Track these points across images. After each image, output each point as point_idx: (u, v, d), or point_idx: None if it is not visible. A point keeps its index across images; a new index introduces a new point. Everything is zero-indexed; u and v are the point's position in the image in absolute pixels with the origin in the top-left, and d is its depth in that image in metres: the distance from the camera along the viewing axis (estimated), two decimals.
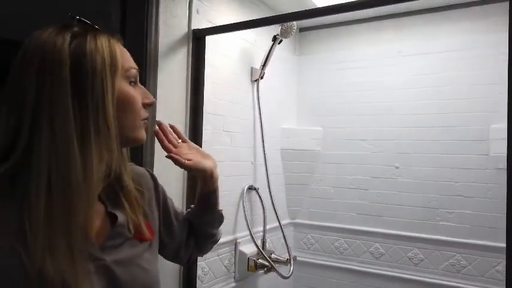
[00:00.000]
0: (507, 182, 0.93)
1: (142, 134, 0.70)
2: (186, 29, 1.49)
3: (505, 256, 1.70)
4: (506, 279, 0.91)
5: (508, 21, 0.95)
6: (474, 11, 1.90)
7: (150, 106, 0.72)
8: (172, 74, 1.43)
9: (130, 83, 0.67)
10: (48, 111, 0.58)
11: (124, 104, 0.65)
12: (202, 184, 0.93)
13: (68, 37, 0.61)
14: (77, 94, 0.60)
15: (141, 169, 0.85)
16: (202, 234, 0.97)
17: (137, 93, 0.69)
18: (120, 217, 0.69)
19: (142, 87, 0.72)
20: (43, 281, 0.54)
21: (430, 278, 1.96)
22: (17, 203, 0.57)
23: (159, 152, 1.31)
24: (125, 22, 1.36)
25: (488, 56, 1.86)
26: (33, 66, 0.59)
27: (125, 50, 0.69)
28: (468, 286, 1.87)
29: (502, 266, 1.81)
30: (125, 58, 0.67)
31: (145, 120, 0.71)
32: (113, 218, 0.69)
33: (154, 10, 1.34)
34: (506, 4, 1.62)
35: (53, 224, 0.56)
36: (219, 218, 0.98)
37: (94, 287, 0.61)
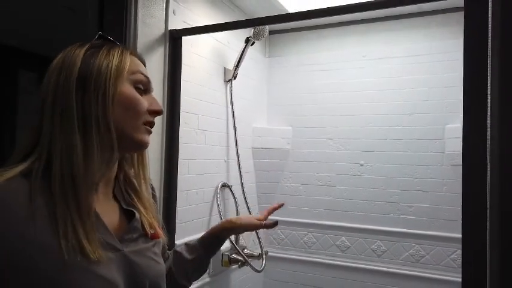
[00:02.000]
0: (462, 178, 1.03)
1: (144, 138, 0.72)
2: (163, 29, 1.52)
3: (458, 245, 1.86)
4: (462, 267, 1.01)
5: (463, 30, 1.06)
6: (432, 20, 2.05)
7: (157, 114, 0.74)
8: (149, 73, 1.44)
9: (136, 88, 0.71)
10: (58, 105, 0.64)
11: (125, 104, 0.68)
12: (227, 234, 1.03)
13: (86, 47, 0.69)
14: (81, 89, 0.65)
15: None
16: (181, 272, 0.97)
17: (143, 98, 0.72)
18: (137, 214, 0.75)
19: (154, 97, 0.75)
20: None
21: (392, 268, 2.10)
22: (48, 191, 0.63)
23: None
24: (102, 19, 1.37)
25: (444, 61, 2.02)
26: (55, 70, 0.67)
27: (138, 61, 0.74)
28: (426, 274, 2.02)
29: (456, 255, 1.97)
30: (134, 64, 0.72)
31: (149, 126, 0.73)
32: (129, 215, 0.75)
33: (133, 9, 1.36)
34: (462, 14, 1.79)
35: (69, 206, 0.62)
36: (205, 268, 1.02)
37: (116, 271, 0.67)
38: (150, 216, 0.78)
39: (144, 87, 0.73)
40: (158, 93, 1.49)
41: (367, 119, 2.18)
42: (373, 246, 2.16)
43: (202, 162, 1.81)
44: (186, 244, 1.00)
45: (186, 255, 0.97)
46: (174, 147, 1.53)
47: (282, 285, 2.34)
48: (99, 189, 0.71)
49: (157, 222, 0.80)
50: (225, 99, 2.01)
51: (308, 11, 1.35)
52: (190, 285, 0.98)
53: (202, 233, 1.02)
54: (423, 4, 1.89)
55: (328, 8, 1.32)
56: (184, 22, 1.65)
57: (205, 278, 1.82)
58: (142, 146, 0.73)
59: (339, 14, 1.38)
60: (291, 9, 2.09)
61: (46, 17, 2.05)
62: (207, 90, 1.86)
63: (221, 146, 1.98)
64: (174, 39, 1.54)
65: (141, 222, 0.76)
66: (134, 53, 0.75)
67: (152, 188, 0.90)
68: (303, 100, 2.35)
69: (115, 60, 0.69)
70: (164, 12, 1.53)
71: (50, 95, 0.65)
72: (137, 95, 0.71)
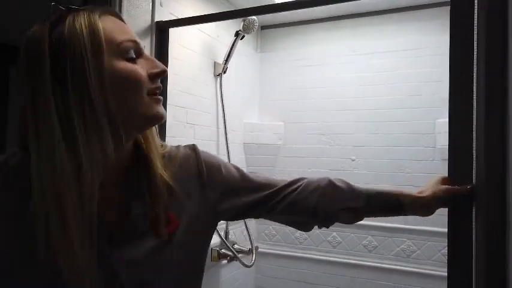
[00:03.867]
0: (448, 172, 1.02)
1: (157, 110, 0.62)
2: (149, 21, 1.50)
3: None
4: (448, 262, 0.99)
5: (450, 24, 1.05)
6: (423, 13, 2.04)
7: (161, 76, 0.63)
8: None
9: (127, 58, 0.59)
10: (32, 109, 0.56)
11: (120, 83, 0.58)
12: (417, 203, 0.85)
13: (46, 28, 0.57)
14: (58, 87, 0.56)
15: (185, 150, 0.75)
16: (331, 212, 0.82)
17: (138, 67, 0.60)
18: (137, 208, 0.63)
19: (150, 57, 0.64)
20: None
21: (383, 263, 2.09)
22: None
23: None
24: None
25: (435, 55, 2.01)
26: (23, 64, 0.58)
27: (116, 23, 0.61)
28: (417, 269, 2.01)
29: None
30: (115, 32, 0.59)
31: (157, 93, 0.63)
32: (130, 209, 0.63)
33: (117, 0, 1.34)
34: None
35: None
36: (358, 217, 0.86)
37: (93, 282, 0.56)
38: (157, 207, 0.64)
39: (135, 54, 0.61)
40: None
41: (359, 114, 2.17)
42: (364, 241, 2.15)
43: None
44: (349, 184, 0.84)
45: (347, 196, 0.81)
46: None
47: (273, 280, 2.33)
48: (107, 176, 0.60)
49: (163, 216, 0.64)
50: (215, 93, 1.99)
51: (296, 1, 1.34)
52: (326, 228, 0.85)
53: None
54: None
55: None
56: (172, 14, 1.63)
57: None
58: (156, 120, 0.62)
59: (326, 4, 1.37)
60: (280, 1, 2.07)
61: (32, 13, 2.02)
62: (197, 84, 1.84)
63: (211, 141, 1.97)
64: (160, 31, 1.52)
65: (145, 217, 0.63)
66: (106, 11, 0.62)
67: (197, 157, 0.74)
68: (294, 95, 2.34)
69: (86, 35, 0.56)
70: (150, 4, 1.51)
71: (25, 91, 0.57)
72: (131, 68, 0.59)
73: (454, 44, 1.06)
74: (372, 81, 2.15)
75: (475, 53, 1.01)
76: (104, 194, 0.60)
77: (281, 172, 2.35)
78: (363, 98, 2.16)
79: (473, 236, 0.95)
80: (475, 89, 1.01)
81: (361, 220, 0.85)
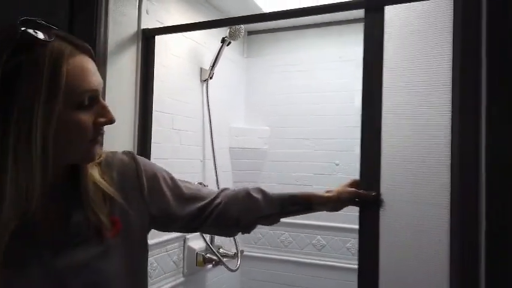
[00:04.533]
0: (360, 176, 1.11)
1: (92, 154, 0.64)
2: (135, 28, 1.51)
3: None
4: (358, 255, 1.14)
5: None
6: None
7: (106, 125, 0.65)
8: (121, 72, 1.44)
9: (81, 106, 0.60)
10: None
11: (65, 132, 0.58)
12: (322, 202, 0.98)
13: (5, 54, 0.55)
14: (2, 117, 0.55)
15: (123, 156, 0.78)
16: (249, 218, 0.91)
17: (87, 116, 0.61)
18: (76, 216, 0.65)
19: (103, 103, 0.64)
20: None
21: None
22: None
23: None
24: (73, 19, 1.35)
25: None
26: None
27: (84, 65, 0.60)
28: None
29: None
30: (78, 79, 0.58)
31: (97, 138, 0.64)
32: (69, 218, 0.64)
33: (103, 8, 1.35)
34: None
35: None
36: (276, 220, 0.96)
37: None
38: (96, 212, 0.66)
39: (90, 101, 0.61)
40: (130, 93, 1.48)
41: (343, 119, 2.21)
42: (348, 244, 2.19)
43: (176, 162, 1.81)
44: (264, 193, 0.92)
45: (263, 206, 0.91)
46: (146, 148, 1.52)
47: (258, 284, 2.36)
48: (42, 195, 0.60)
49: (105, 219, 0.67)
50: (201, 99, 2.00)
51: (283, 11, 1.37)
52: (248, 233, 0.95)
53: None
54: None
55: (302, 9, 1.34)
56: (158, 21, 1.64)
57: (179, 278, 1.82)
58: (87, 161, 0.65)
59: (312, 14, 1.41)
60: (267, 9, 2.10)
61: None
62: (183, 90, 1.85)
63: (197, 146, 1.98)
64: (146, 39, 1.53)
65: (86, 224, 0.65)
66: (79, 48, 0.60)
67: (136, 165, 0.77)
68: (280, 100, 2.37)
69: (46, 78, 0.55)
70: (137, 11, 1.52)
71: None
72: (79, 119, 0.59)
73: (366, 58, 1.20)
74: (356, 87, 2.19)
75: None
76: (42, 207, 0.60)
77: (267, 176, 2.38)
78: (348, 104, 2.21)
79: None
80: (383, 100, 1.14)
81: (278, 222, 0.97)
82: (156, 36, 1.55)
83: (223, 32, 1.97)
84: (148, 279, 1.60)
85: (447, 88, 1.06)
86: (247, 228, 0.92)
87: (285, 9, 1.35)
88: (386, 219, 1.07)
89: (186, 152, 1.89)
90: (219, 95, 2.14)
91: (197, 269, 1.91)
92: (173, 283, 1.75)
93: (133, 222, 0.73)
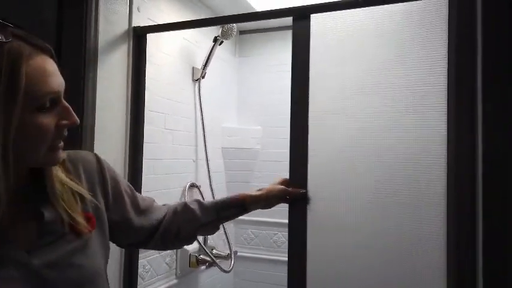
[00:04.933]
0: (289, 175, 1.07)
1: (54, 159, 0.63)
2: (126, 26, 1.48)
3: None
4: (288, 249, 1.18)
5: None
6: None
7: (69, 127, 0.63)
8: (112, 70, 1.41)
9: (42, 109, 0.58)
10: None
11: (25, 135, 0.57)
12: (254, 201, 1.03)
13: None
14: None
15: (86, 155, 0.79)
16: (187, 230, 0.95)
17: (49, 119, 0.59)
18: (48, 214, 0.63)
19: (65, 105, 0.62)
20: None
21: None
22: None
23: (100, 135, 1.31)
24: (62, 16, 1.33)
25: None
26: None
27: (45, 66, 0.58)
28: None
29: None
30: (39, 81, 0.56)
31: (59, 145, 0.63)
32: (41, 217, 0.63)
33: (94, 5, 1.32)
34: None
35: None
36: (215, 227, 1.01)
37: None
38: (70, 209, 0.66)
39: (52, 103, 0.59)
40: (121, 92, 1.45)
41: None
42: None
43: (169, 162, 1.78)
44: (200, 203, 0.97)
45: (200, 215, 0.95)
46: (138, 148, 1.50)
47: (252, 285, 2.34)
48: (8, 196, 0.59)
49: (79, 215, 0.67)
50: (193, 98, 1.98)
51: (275, 10, 1.36)
52: (193, 241, 0.98)
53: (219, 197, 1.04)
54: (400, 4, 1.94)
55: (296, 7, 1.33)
56: (149, 19, 1.62)
57: (172, 280, 1.79)
58: (50, 165, 0.64)
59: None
60: (259, 8, 2.08)
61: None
62: (175, 90, 1.83)
63: (189, 146, 1.96)
64: (138, 37, 1.51)
65: (59, 221, 0.64)
66: (38, 48, 0.58)
67: (99, 163, 0.78)
68: (272, 100, 2.36)
69: (4, 80, 0.52)
70: (128, 9, 1.49)
71: None
72: (40, 122, 0.58)
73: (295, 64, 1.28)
74: None
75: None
76: (11, 212, 0.59)
77: (259, 176, 2.37)
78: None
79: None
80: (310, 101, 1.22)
81: (218, 229, 1.02)
82: (147, 35, 1.53)
83: (215, 31, 1.95)
84: (141, 281, 1.57)
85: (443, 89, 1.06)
86: (188, 240, 0.96)
87: (278, 8, 1.34)
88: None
89: (179, 152, 1.86)
90: (210, 94, 2.12)
91: (190, 270, 1.88)
92: (166, 285, 1.73)
93: (103, 215, 0.76)
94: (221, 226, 2.05)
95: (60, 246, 0.64)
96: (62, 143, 0.63)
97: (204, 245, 1.89)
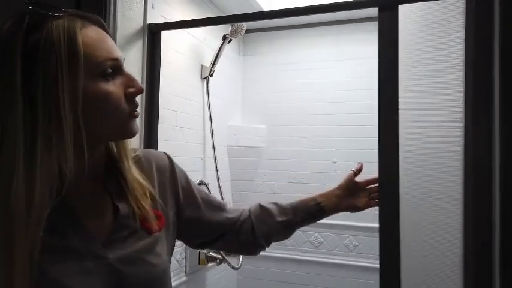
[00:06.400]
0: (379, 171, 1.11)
1: (132, 129, 0.62)
2: (141, 23, 1.48)
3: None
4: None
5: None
6: None
7: (137, 95, 0.63)
8: (128, 67, 1.41)
9: (105, 75, 0.58)
10: (1, 122, 0.54)
11: (95, 104, 0.57)
12: (325, 196, 0.98)
13: (20, 34, 0.54)
14: (29, 102, 0.53)
15: (158, 154, 0.80)
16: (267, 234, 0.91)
17: (115, 87, 0.60)
18: (124, 208, 0.64)
19: (128, 74, 0.63)
20: None
21: (365, 263, 2.16)
22: None
23: None
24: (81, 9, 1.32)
25: None
26: None
27: (98, 35, 0.59)
28: None
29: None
30: (96, 48, 0.57)
31: (135, 112, 0.63)
32: (117, 210, 0.64)
33: (112, 2, 1.32)
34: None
35: None
36: (291, 228, 0.96)
37: (98, 285, 0.58)
38: (142, 206, 0.66)
39: (113, 71, 0.60)
40: None
41: (340, 117, 2.24)
42: (345, 241, 2.22)
43: (180, 160, 1.78)
44: (276, 203, 0.93)
45: (275, 214, 0.90)
46: (152, 144, 1.50)
47: (255, 282, 2.36)
48: (82, 184, 0.60)
49: (151, 212, 0.67)
50: (201, 96, 1.99)
51: (285, 10, 1.37)
52: (267, 247, 0.93)
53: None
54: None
55: (305, 7, 1.35)
56: (162, 16, 1.62)
57: (182, 277, 1.79)
58: (127, 137, 0.64)
59: (315, 13, 1.41)
60: (266, 7, 2.10)
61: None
62: (185, 87, 1.83)
63: (198, 144, 1.96)
64: (152, 34, 1.51)
65: (133, 216, 0.65)
66: (89, 20, 0.59)
67: (171, 163, 0.78)
68: (277, 99, 2.38)
69: (64, 51, 0.53)
70: (143, 6, 1.49)
71: None
72: (108, 89, 0.58)
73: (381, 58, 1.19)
74: (353, 86, 2.23)
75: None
76: (85, 202, 0.61)
77: (264, 174, 2.38)
78: (344, 102, 2.24)
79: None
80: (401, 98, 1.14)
81: (293, 232, 0.97)
82: (161, 32, 1.53)
83: (223, 29, 1.96)
84: None
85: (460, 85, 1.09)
86: (262, 241, 0.91)
87: (291, 7, 1.35)
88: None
89: (188, 150, 1.87)
90: (216, 92, 2.13)
91: (199, 268, 1.89)
92: (176, 282, 1.73)
93: (170, 220, 0.74)
94: None
95: (132, 242, 0.64)
96: (137, 113, 0.63)
97: None
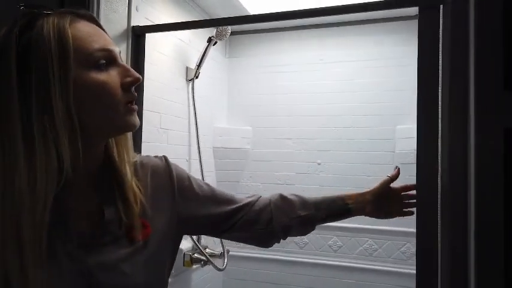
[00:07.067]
0: (416, 175, 1.11)
1: (132, 121, 0.61)
2: (125, 25, 1.48)
3: (408, 239, 1.98)
4: (416, 260, 1.07)
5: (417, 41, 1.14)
6: (382, 27, 2.18)
7: (134, 85, 0.62)
8: None
9: (98, 66, 0.58)
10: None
11: (89, 95, 0.57)
12: (357, 212, 0.93)
13: (14, 35, 0.56)
14: (23, 96, 0.55)
15: (156, 159, 0.78)
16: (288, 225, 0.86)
17: (110, 76, 0.59)
18: (110, 214, 0.64)
19: (124, 65, 0.62)
20: None
21: (347, 262, 2.20)
22: None
23: None
24: None
25: (395, 66, 2.15)
26: None
27: (89, 29, 0.60)
28: (378, 267, 2.14)
29: (406, 248, 2.11)
30: (86, 40, 0.58)
31: (132, 104, 0.62)
32: (103, 216, 0.64)
33: (95, 4, 1.32)
34: (410, 22, 1.89)
35: (3, 235, 0.54)
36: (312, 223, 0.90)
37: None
38: (131, 214, 0.65)
39: (107, 60, 0.60)
40: None
41: (324, 119, 2.27)
42: (329, 242, 2.25)
43: None
44: (299, 196, 0.88)
45: (298, 206, 0.85)
46: (136, 147, 1.50)
47: (241, 283, 2.37)
48: (76, 183, 0.60)
49: (138, 221, 0.65)
50: (187, 98, 1.99)
51: (269, 14, 1.38)
52: (284, 239, 0.87)
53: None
54: (371, 12, 2.00)
55: (289, 12, 1.36)
56: (147, 19, 1.62)
57: None
58: (127, 130, 0.63)
59: (300, 17, 1.43)
60: (252, 10, 2.12)
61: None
62: (170, 89, 1.84)
63: (183, 146, 1.97)
64: (136, 36, 1.51)
65: (121, 223, 0.64)
66: (79, 15, 0.60)
67: (169, 169, 0.76)
68: (262, 101, 2.40)
69: (54, 44, 0.55)
70: (127, 8, 1.49)
71: None
72: (102, 78, 0.58)
73: (421, 56, 1.12)
74: (337, 88, 2.26)
75: (440, 65, 1.08)
76: (74, 201, 0.61)
77: (250, 176, 2.40)
78: (328, 105, 2.27)
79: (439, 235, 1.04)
80: (440, 99, 1.08)
81: (313, 229, 0.91)
82: (146, 34, 1.53)
83: (208, 31, 1.97)
84: None
85: None
86: (282, 232, 0.85)
87: (284, 10, 1.37)
88: None
89: (173, 152, 1.87)
90: (201, 94, 2.14)
91: (183, 269, 1.89)
92: None
93: (163, 224, 0.72)
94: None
95: (113, 249, 0.63)
96: (136, 106, 0.63)
97: (198, 244, 1.90)
